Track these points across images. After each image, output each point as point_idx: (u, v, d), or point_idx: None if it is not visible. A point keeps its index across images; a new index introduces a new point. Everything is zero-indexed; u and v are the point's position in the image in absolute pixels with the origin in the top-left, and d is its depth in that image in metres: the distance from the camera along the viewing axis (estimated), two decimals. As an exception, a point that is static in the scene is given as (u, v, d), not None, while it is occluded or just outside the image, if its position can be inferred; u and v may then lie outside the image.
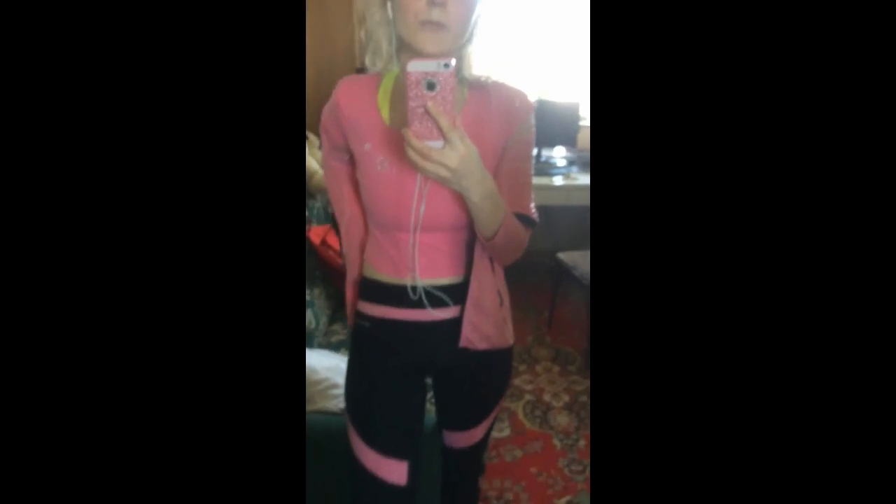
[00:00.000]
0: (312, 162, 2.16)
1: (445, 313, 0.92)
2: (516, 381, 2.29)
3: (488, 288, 0.93)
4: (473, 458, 1.12)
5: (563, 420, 2.06)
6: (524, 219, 0.89)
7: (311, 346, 1.71)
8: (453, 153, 0.71)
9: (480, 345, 0.94)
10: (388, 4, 0.81)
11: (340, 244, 1.04)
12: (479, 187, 0.76)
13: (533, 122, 0.90)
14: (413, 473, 0.96)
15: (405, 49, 0.83)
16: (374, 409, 0.97)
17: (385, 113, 0.87)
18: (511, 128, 0.87)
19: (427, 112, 0.70)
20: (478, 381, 1.00)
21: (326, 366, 1.41)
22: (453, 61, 0.70)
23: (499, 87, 0.88)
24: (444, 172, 0.72)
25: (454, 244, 0.90)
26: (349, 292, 1.02)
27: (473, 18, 0.81)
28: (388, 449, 0.94)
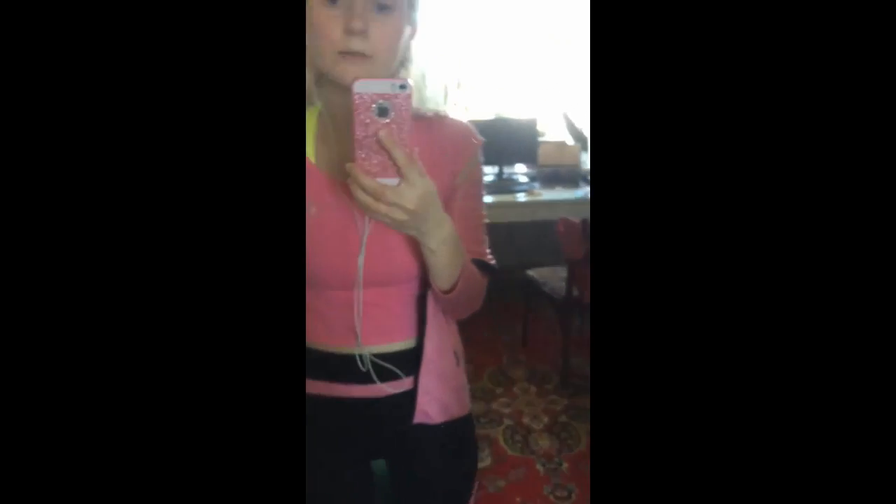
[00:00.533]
0: None
1: (396, 387, 0.79)
2: (494, 406, 2.23)
3: (445, 349, 0.81)
4: None
5: (544, 443, 2.01)
6: (481, 264, 0.79)
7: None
8: (411, 192, 0.60)
9: (438, 417, 0.81)
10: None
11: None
12: (438, 231, 0.66)
13: (481, 157, 0.80)
14: None
15: (326, 83, 0.71)
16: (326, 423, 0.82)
17: (310, 153, 0.75)
18: (459, 165, 0.76)
19: (379, 143, 0.59)
20: (441, 461, 0.85)
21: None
22: (410, 81, 0.61)
23: (442, 121, 0.77)
24: (399, 215, 0.61)
25: (403, 301, 0.78)
26: None
27: (403, 41, 0.71)
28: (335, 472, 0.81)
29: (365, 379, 0.77)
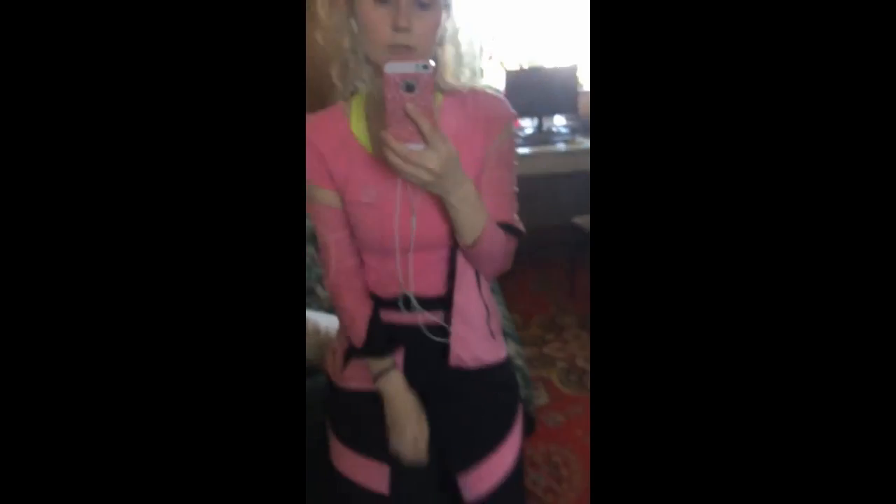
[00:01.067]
0: None
1: (432, 318, 0.89)
2: (546, 350, 2.27)
3: (473, 299, 0.91)
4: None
5: (599, 382, 2.04)
6: (509, 228, 0.86)
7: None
8: (434, 155, 0.70)
9: (472, 363, 0.92)
10: (353, 25, 0.79)
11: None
12: (458, 189, 0.75)
13: (514, 129, 0.88)
14: (396, 483, 0.89)
15: (374, 72, 0.80)
16: (352, 406, 0.93)
17: (364, 140, 0.85)
18: (491, 136, 0.84)
19: (406, 114, 0.70)
20: (476, 401, 0.93)
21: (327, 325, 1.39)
22: (432, 63, 0.70)
23: (476, 94, 0.85)
24: (425, 175, 0.71)
25: (440, 261, 0.88)
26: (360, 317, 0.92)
27: (441, 28, 0.78)
28: (367, 448, 0.89)
29: (408, 310, 0.89)
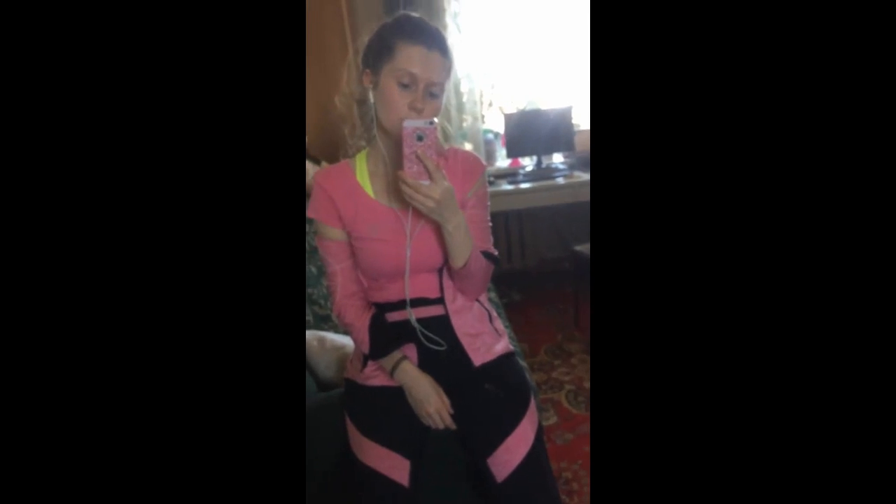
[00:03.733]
0: None
1: (433, 312, 1.09)
2: (554, 375, 2.37)
3: (475, 306, 1.14)
4: (534, 482, 1.01)
5: (605, 402, 2.13)
6: (488, 256, 1.09)
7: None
8: (437, 188, 0.93)
9: (489, 357, 1.11)
10: (371, 95, 1.02)
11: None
12: (454, 218, 0.97)
13: (486, 177, 1.12)
14: (415, 478, 1.00)
15: (380, 131, 1.04)
16: (374, 400, 1.08)
17: (368, 188, 1.07)
18: (470, 183, 1.08)
19: (417, 157, 0.93)
20: (495, 387, 1.08)
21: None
22: (436, 120, 0.96)
23: (456, 152, 1.10)
24: (430, 203, 0.93)
25: (434, 277, 1.09)
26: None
27: (443, 107, 1.01)
28: (389, 442, 1.01)
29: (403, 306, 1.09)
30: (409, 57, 0.95)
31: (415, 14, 1.01)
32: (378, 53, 0.98)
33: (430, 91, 0.97)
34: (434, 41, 0.96)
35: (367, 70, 1.00)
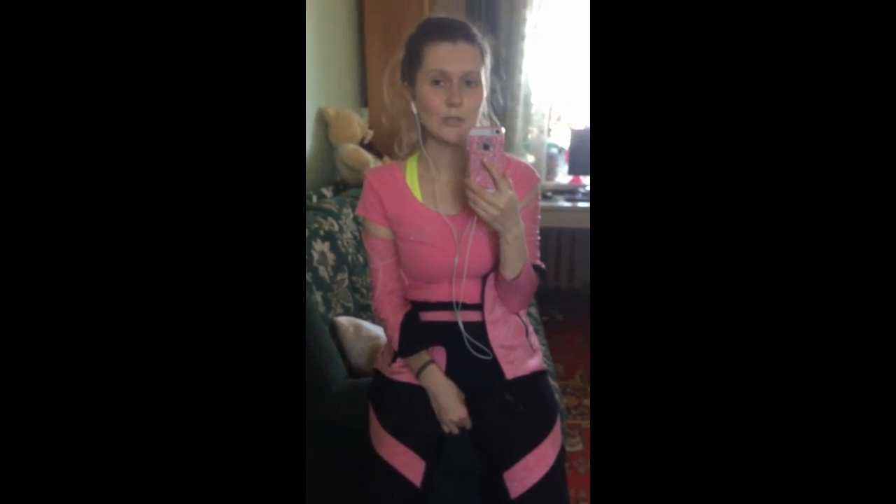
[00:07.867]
0: (365, 154, 2.31)
1: (472, 315, 1.08)
2: (586, 402, 2.31)
3: (512, 318, 1.11)
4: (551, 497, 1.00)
5: (635, 437, 2.05)
6: (535, 269, 1.08)
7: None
8: (502, 196, 0.92)
9: (521, 372, 1.10)
10: (413, 108, 1.02)
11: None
12: (515, 228, 0.96)
13: (539, 190, 1.10)
14: (428, 479, 1.00)
15: (428, 137, 1.04)
16: (399, 397, 1.07)
17: (416, 191, 1.07)
18: (524, 193, 1.05)
19: (483, 165, 0.92)
20: (522, 402, 1.05)
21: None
22: (503, 130, 0.94)
23: (510, 162, 1.07)
24: (494, 211, 0.92)
25: (478, 284, 1.08)
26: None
27: (484, 102, 1.00)
28: (407, 439, 1.01)
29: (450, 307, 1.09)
30: (437, 56, 0.95)
31: (438, 15, 1.02)
32: (410, 64, 1.00)
33: (466, 80, 0.96)
34: (457, 33, 0.96)
35: (405, 83, 1.03)
